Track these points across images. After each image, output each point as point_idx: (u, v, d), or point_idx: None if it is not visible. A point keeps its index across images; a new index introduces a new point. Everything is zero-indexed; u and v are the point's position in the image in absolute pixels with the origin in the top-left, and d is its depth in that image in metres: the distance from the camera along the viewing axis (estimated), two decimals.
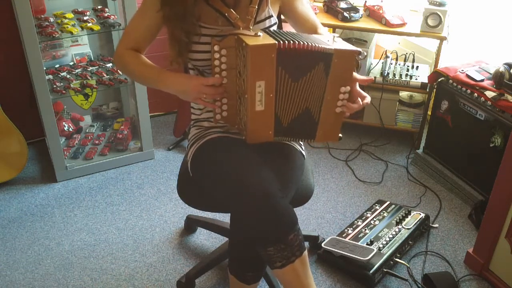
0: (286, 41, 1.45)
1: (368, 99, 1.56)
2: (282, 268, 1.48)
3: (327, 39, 1.53)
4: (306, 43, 1.47)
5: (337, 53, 1.48)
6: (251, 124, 1.51)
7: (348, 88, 1.52)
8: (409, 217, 2.28)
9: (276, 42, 1.44)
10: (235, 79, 1.51)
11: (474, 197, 2.43)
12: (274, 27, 1.66)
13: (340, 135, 1.61)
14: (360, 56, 1.52)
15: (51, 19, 2.52)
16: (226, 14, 1.55)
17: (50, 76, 2.58)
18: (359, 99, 1.54)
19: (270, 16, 1.64)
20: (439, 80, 2.56)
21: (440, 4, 2.58)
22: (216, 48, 1.48)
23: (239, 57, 1.47)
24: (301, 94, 1.53)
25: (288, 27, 1.78)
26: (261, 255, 1.51)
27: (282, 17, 1.77)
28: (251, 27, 1.54)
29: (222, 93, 1.52)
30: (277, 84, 1.48)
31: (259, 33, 1.47)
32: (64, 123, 2.87)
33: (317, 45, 1.47)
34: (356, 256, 2.00)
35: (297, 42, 1.46)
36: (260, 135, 1.54)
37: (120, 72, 2.64)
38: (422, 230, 2.27)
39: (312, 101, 1.55)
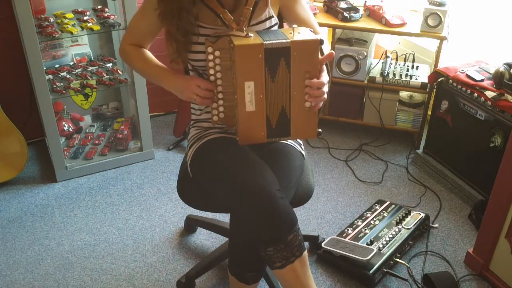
0: (271, 41, 1.44)
1: (326, 87, 1.48)
2: (281, 268, 1.48)
3: (289, 32, 1.49)
4: (273, 41, 1.44)
5: (294, 46, 1.44)
6: (242, 125, 1.50)
7: (316, 80, 1.46)
8: (409, 217, 2.27)
9: (263, 42, 1.43)
10: (230, 80, 1.51)
11: (474, 197, 2.43)
12: (275, 28, 1.66)
13: (319, 130, 1.56)
14: (321, 45, 1.45)
15: (51, 19, 2.52)
16: (221, 15, 1.56)
17: (50, 76, 2.58)
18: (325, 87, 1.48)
19: (271, 17, 1.64)
20: (439, 80, 2.56)
21: (440, 4, 2.58)
22: (209, 50, 1.49)
23: (231, 58, 1.47)
24: (278, 93, 1.51)
25: None
26: (261, 255, 1.51)
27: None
28: (244, 29, 1.54)
29: (211, 98, 1.53)
30: (266, 85, 1.48)
31: (250, 34, 1.47)
32: (64, 123, 2.87)
33: (277, 40, 1.44)
34: (356, 256, 2.00)
35: (275, 41, 1.44)
36: (252, 136, 1.53)
37: (123, 63, 2.64)
38: (422, 230, 2.27)
39: (284, 99, 1.52)
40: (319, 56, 1.47)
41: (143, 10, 1.64)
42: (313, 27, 1.70)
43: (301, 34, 1.48)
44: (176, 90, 1.60)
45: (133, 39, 1.70)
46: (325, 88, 1.49)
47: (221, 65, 1.50)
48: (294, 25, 1.54)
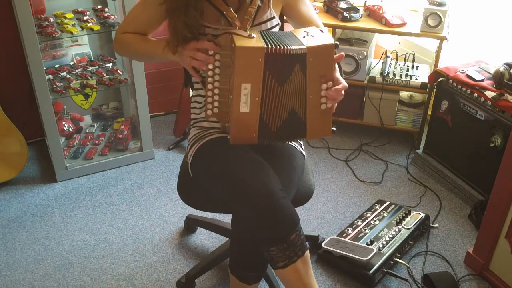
0: (275, 46, 1.43)
1: (342, 84, 1.48)
2: (284, 268, 1.48)
3: (303, 35, 1.49)
4: (286, 47, 1.44)
5: (310, 52, 1.44)
6: (234, 125, 1.50)
7: (331, 83, 1.48)
8: (409, 217, 2.28)
9: (265, 46, 1.42)
10: (228, 77, 1.51)
11: (474, 197, 2.43)
12: (276, 29, 1.66)
13: (333, 128, 1.57)
14: (336, 49, 1.45)
15: (51, 19, 2.52)
16: (225, 12, 1.55)
17: (50, 76, 2.58)
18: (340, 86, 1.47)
19: (272, 18, 1.64)
20: (439, 80, 2.56)
21: (440, 4, 2.58)
22: None
23: (230, 57, 1.47)
24: (287, 98, 1.51)
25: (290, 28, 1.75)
26: (263, 255, 1.51)
27: (284, 17, 1.77)
28: (248, 28, 1.54)
29: (212, 60, 1.48)
30: (263, 89, 1.47)
31: (253, 35, 1.47)
32: (64, 123, 2.86)
33: (291, 47, 1.44)
34: (356, 256, 2.00)
35: (282, 46, 1.44)
36: (243, 137, 1.53)
37: (119, 54, 2.61)
38: (422, 230, 2.27)
39: (296, 102, 1.52)
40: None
41: (145, 2, 1.61)
42: (317, 25, 1.68)
43: (315, 37, 1.48)
44: (177, 56, 1.55)
45: (131, 30, 1.66)
46: (342, 86, 1.48)
47: (221, 61, 1.50)
48: (306, 29, 1.53)
